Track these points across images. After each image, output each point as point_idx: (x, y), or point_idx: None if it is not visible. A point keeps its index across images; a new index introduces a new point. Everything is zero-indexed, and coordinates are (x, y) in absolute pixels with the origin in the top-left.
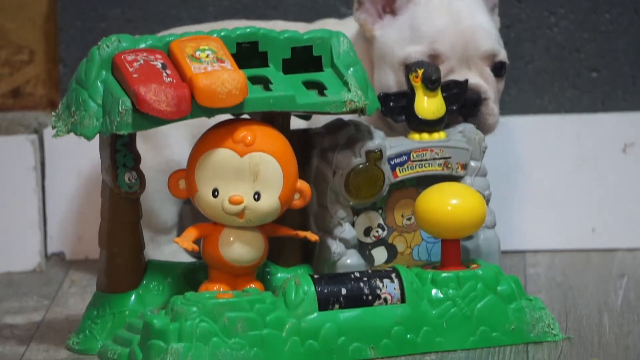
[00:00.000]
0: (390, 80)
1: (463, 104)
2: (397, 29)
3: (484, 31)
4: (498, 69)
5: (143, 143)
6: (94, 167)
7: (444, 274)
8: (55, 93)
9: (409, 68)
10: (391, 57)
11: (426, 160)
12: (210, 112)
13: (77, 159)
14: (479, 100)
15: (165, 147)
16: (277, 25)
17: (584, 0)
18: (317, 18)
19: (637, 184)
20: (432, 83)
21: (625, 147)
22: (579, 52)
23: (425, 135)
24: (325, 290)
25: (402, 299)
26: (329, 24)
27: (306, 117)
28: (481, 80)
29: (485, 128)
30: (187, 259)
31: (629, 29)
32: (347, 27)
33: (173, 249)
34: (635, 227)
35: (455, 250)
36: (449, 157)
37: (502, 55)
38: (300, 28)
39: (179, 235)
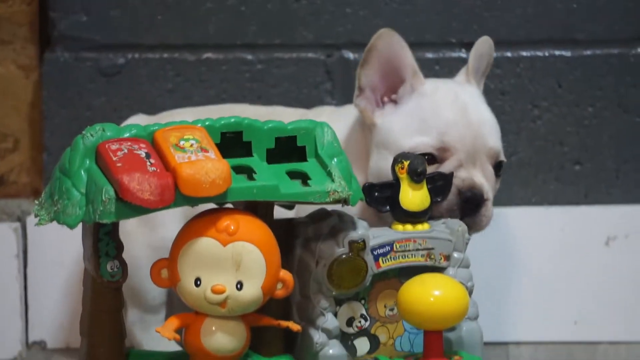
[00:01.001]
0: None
1: (466, 201)
2: (402, 118)
3: (490, 127)
4: (498, 168)
5: (137, 220)
6: (76, 256)
7: None
8: (39, 181)
9: (395, 159)
10: (395, 145)
11: (409, 251)
12: (193, 201)
13: (60, 247)
14: (481, 201)
15: (160, 225)
16: (277, 111)
17: (568, 94)
18: (301, 107)
19: (620, 277)
20: (417, 175)
21: (608, 240)
22: (562, 145)
23: (408, 226)
24: None
25: None
26: (326, 111)
27: (290, 206)
28: (484, 179)
29: (477, 227)
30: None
31: (612, 122)
32: (344, 114)
33: None
34: (617, 320)
35: (437, 341)
36: (432, 248)
37: (502, 155)
38: (298, 114)
39: (167, 314)
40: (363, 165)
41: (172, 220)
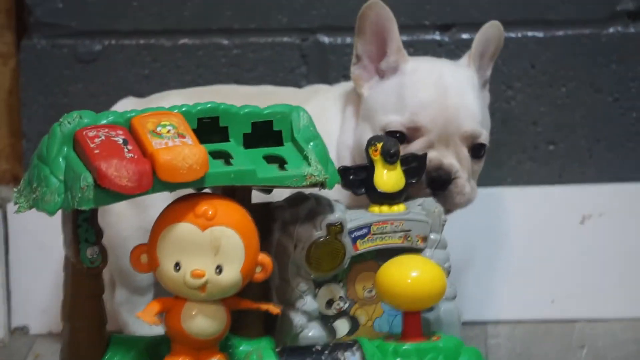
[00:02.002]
0: None
1: (432, 181)
2: (383, 93)
3: (468, 112)
4: (477, 149)
5: (127, 202)
6: (57, 241)
7: (405, 346)
8: (19, 167)
9: (368, 142)
10: (373, 120)
11: (386, 233)
12: (171, 186)
13: (41, 233)
14: (448, 180)
15: (150, 206)
16: (266, 90)
17: (540, 74)
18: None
19: (595, 255)
20: (390, 157)
21: (583, 218)
22: (536, 125)
23: (385, 208)
24: None
25: None
26: (321, 90)
27: (267, 190)
28: (455, 160)
29: (454, 205)
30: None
31: (584, 102)
32: (337, 92)
33: None
34: (593, 297)
35: (416, 322)
36: (409, 230)
37: (483, 138)
38: (289, 93)
39: (155, 295)
40: None
41: (162, 201)
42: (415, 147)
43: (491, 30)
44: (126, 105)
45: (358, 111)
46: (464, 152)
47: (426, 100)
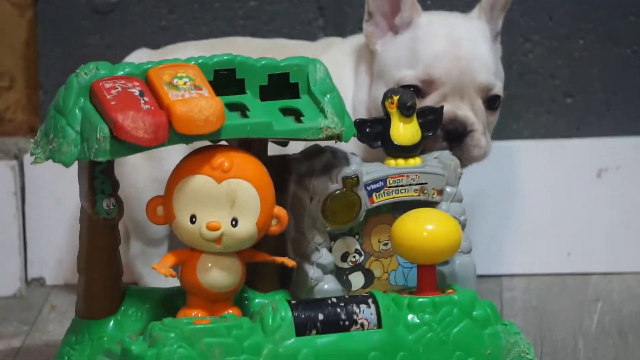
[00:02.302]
0: None
1: (448, 133)
2: (397, 49)
3: (482, 63)
4: (492, 101)
5: (143, 153)
6: (73, 193)
7: (420, 300)
8: (36, 119)
9: (385, 95)
10: (387, 76)
11: (402, 186)
12: (187, 139)
13: (58, 185)
14: (464, 133)
15: (164, 158)
16: (278, 42)
17: (558, 27)
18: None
19: (611, 209)
20: (407, 109)
21: (599, 172)
22: (554, 78)
23: (401, 161)
24: (302, 316)
25: (379, 325)
26: (334, 43)
27: (283, 143)
28: (470, 112)
29: (470, 158)
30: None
31: (602, 55)
32: (351, 45)
33: None
34: (609, 251)
35: (431, 275)
36: (425, 183)
37: (497, 89)
38: (303, 45)
39: (170, 247)
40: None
41: (178, 153)
42: (429, 101)
43: None
44: (140, 56)
45: (372, 68)
46: (479, 103)
47: (439, 53)
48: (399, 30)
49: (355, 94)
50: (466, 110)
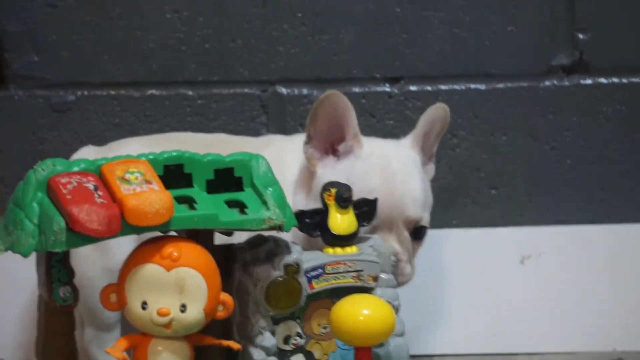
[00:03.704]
0: None
1: None
2: (335, 175)
3: (412, 197)
4: (418, 231)
5: (92, 245)
6: (33, 281)
7: None
8: None
9: (323, 187)
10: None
11: (340, 272)
12: (139, 230)
13: (18, 272)
14: None
15: (113, 248)
16: (220, 137)
17: (483, 124)
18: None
19: (534, 293)
20: (344, 201)
21: (522, 258)
22: (479, 171)
23: (338, 250)
24: None
25: None
26: (275, 140)
27: (229, 233)
28: (397, 244)
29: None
30: None
31: (524, 149)
32: (291, 144)
33: None
34: (533, 333)
35: (367, 357)
36: (361, 270)
37: (424, 221)
38: (245, 141)
39: (122, 331)
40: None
41: (125, 243)
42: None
43: (437, 112)
44: (87, 153)
45: (310, 183)
46: (405, 234)
47: (374, 188)
48: (340, 156)
49: (294, 198)
50: (393, 241)
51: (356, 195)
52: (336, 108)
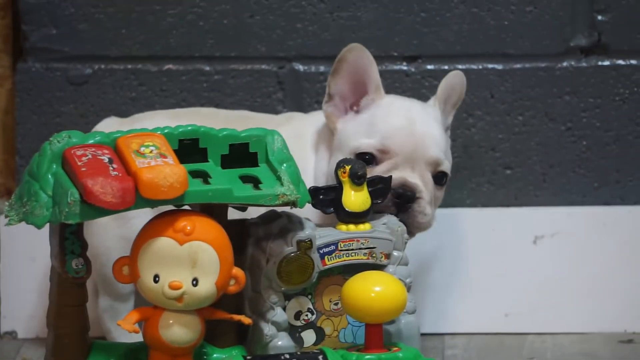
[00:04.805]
0: None
1: (397, 198)
2: (357, 124)
3: (433, 140)
4: (439, 177)
5: None
6: (46, 252)
7: (368, 356)
8: (12, 182)
9: (338, 164)
10: (345, 146)
11: (352, 249)
12: (153, 203)
13: (31, 244)
14: (412, 198)
15: (133, 217)
16: (242, 114)
17: (499, 104)
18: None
19: (546, 273)
20: (358, 178)
21: (535, 239)
22: (495, 151)
23: (351, 227)
24: None
25: None
26: (295, 117)
27: (242, 208)
28: (420, 181)
29: (415, 225)
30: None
31: (539, 130)
32: (312, 119)
33: None
34: (544, 313)
35: (378, 334)
36: (374, 247)
37: (445, 167)
38: (266, 118)
39: (136, 302)
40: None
41: (143, 212)
42: (382, 168)
43: (455, 79)
44: (109, 124)
45: (331, 144)
46: (428, 176)
47: (397, 127)
48: (361, 110)
49: (316, 165)
50: (415, 179)
51: (378, 136)
52: (359, 62)
